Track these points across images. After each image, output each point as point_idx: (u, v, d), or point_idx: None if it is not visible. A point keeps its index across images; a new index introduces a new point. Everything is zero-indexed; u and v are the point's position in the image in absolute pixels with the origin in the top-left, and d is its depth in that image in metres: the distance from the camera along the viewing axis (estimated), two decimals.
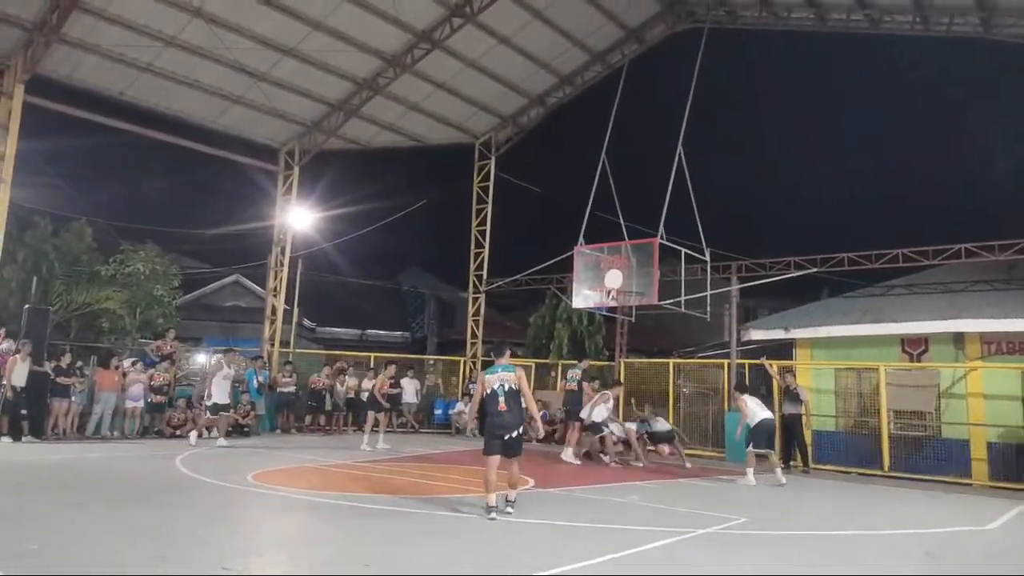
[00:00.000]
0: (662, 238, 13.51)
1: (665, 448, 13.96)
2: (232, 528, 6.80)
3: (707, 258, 14.38)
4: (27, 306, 14.15)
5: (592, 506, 8.91)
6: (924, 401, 13.81)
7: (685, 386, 17.01)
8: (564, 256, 15.64)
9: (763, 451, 11.66)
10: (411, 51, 17.19)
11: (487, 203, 21.12)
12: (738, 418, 12.35)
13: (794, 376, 14.07)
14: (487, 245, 21.03)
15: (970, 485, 12.63)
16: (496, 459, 7.52)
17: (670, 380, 16.41)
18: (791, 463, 13.45)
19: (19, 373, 12.64)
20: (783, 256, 16.04)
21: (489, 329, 21.78)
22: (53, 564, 5.20)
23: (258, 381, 16.21)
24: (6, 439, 12.44)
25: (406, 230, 25.22)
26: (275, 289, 19.57)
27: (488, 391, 7.64)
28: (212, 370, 13.94)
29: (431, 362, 22.87)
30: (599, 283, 13.98)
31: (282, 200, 19.64)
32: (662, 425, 13.87)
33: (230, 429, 14.28)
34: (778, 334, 16.01)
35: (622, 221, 15.00)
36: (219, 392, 13.58)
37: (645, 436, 13.86)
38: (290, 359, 18.46)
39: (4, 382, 12.54)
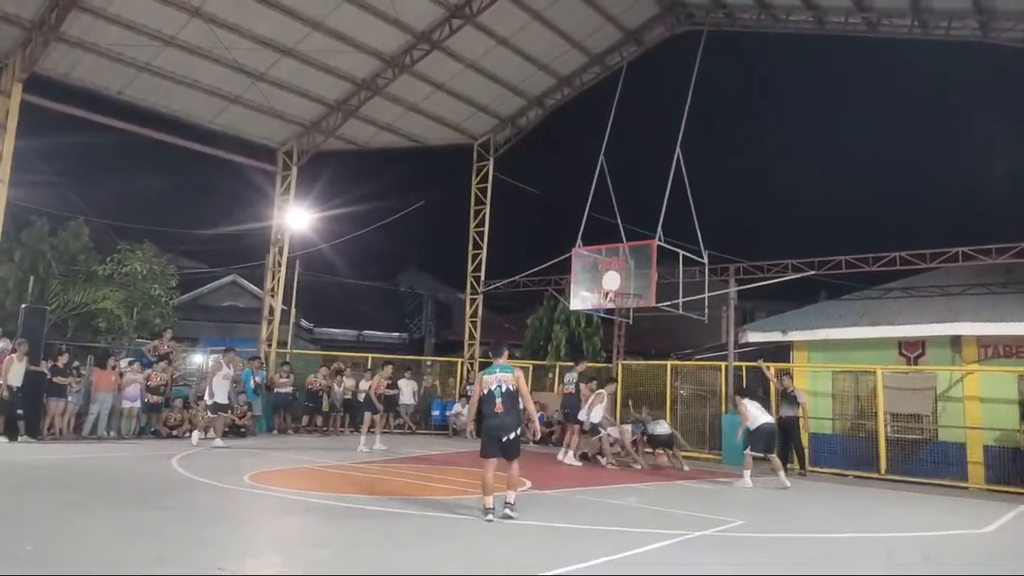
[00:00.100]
0: (660, 240, 13.54)
1: (663, 456, 13.89)
2: (229, 529, 6.78)
3: (705, 260, 14.39)
4: (24, 305, 14.12)
5: (589, 508, 8.90)
6: (921, 404, 13.85)
7: (682, 388, 17.03)
8: (562, 258, 15.67)
9: (760, 455, 11.66)
10: (410, 52, 17.19)
11: (485, 204, 21.12)
12: (736, 421, 12.37)
13: (791, 379, 14.08)
14: (485, 246, 21.03)
15: (966, 488, 12.65)
16: (493, 461, 7.47)
17: (667, 382, 16.42)
18: (788, 466, 13.43)
19: (15, 373, 12.59)
20: (781, 259, 16.06)
21: (487, 330, 21.77)
22: (53, 564, 5.20)
23: (255, 382, 16.16)
24: (2, 439, 12.38)
25: (404, 231, 25.25)
26: (272, 289, 19.54)
27: (485, 392, 7.57)
28: (212, 370, 13.91)
29: (428, 363, 22.86)
30: (597, 285, 13.98)
31: (280, 200, 19.62)
32: (662, 428, 13.74)
33: (227, 430, 14.26)
34: (776, 336, 16.02)
35: (620, 223, 15.03)
36: (220, 392, 13.56)
37: (643, 438, 13.85)
38: (287, 360, 18.43)
39: (0, 382, 12.49)
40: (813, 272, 15.55)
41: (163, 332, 16.68)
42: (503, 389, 7.49)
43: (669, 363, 17.09)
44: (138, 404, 14.44)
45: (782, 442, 13.68)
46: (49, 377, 13.34)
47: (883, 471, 13.41)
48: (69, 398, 13.66)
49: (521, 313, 29.01)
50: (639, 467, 13.20)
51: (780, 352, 16.08)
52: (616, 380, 15.60)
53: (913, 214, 36.50)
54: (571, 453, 13.31)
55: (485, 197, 21.16)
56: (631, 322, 17.34)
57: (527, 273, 19.13)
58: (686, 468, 13.29)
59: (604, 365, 20.25)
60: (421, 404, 19.69)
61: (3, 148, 14.04)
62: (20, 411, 12.70)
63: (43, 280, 16.48)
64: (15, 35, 14.25)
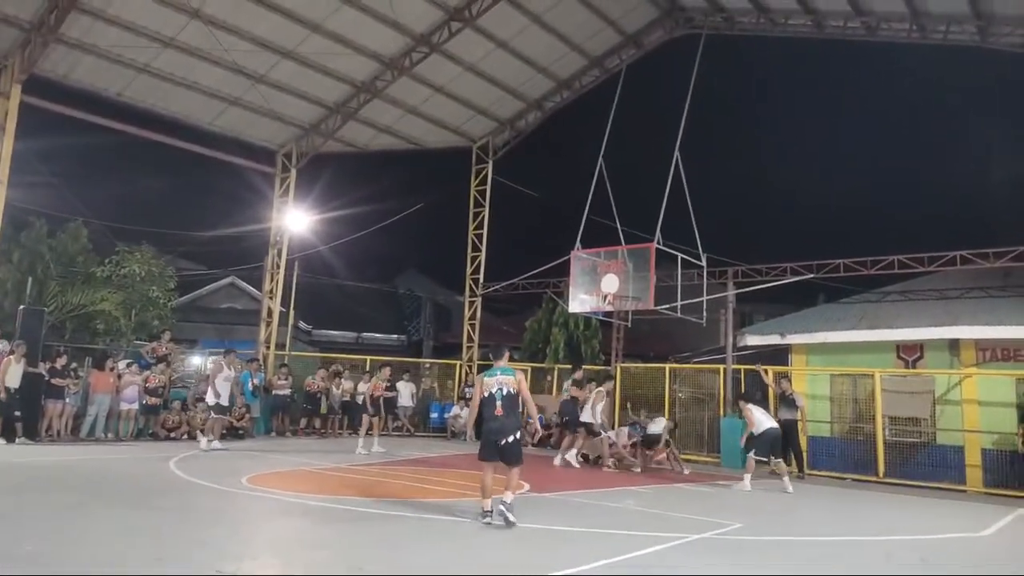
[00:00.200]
0: (659, 243, 13.54)
1: (662, 454, 13.86)
2: (227, 531, 6.77)
3: (703, 263, 14.40)
4: (22, 307, 14.11)
5: (587, 511, 8.90)
6: (919, 407, 13.86)
7: (681, 391, 17.03)
8: (561, 260, 15.68)
9: (763, 458, 11.64)
10: (409, 54, 17.20)
11: (484, 207, 21.14)
12: (735, 424, 12.35)
13: (790, 382, 14.09)
14: (484, 249, 21.04)
15: (964, 492, 12.66)
16: (492, 464, 7.45)
17: (666, 385, 16.42)
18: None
19: (13, 374, 12.58)
20: (779, 262, 16.08)
21: (485, 333, 21.77)
22: (53, 564, 5.21)
23: (253, 384, 16.16)
24: (0, 441, 12.38)
25: (403, 233, 25.18)
26: (271, 291, 19.53)
27: (486, 394, 7.49)
28: (213, 371, 13.87)
29: (427, 365, 22.83)
30: (595, 287, 13.98)
31: (279, 202, 19.61)
32: (654, 427, 13.70)
33: (225, 431, 14.24)
34: (774, 340, 16.03)
35: (619, 226, 15.05)
36: (224, 393, 13.55)
37: (639, 440, 13.83)
38: (286, 362, 18.42)
39: None
40: (812, 275, 15.57)
41: (161, 334, 16.66)
42: (504, 392, 7.43)
43: (667, 366, 17.08)
44: (136, 406, 14.42)
45: (781, 445, 13.70)
46: (47, 379, 13.33)
47: (881, 474, 13.42)
48: (67, 400, 13.64)
49: (520, 316, 29.00)
50: (637, 470, 13.19)
51: (778, 355, 16.09)
52: (613, 378, 15.60)
53: (911, 218, 36.59)
54: (573, 452, 13.32)
55: (484, 200, 21.17)
56: (630, 325, 17.34)
57: (526, 276, 19.15)
58: (686, 472, 13.28)
59: (602, 368, 20.25)
60: (419, 406, 19.69)
61: (2, 149, 14.02)
62: (18, 413, 12.67)
63: (41, 281, 16.47)
64: (14, 36, 14.25)
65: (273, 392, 17.01)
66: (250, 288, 26.99)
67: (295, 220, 19.34)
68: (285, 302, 20.73)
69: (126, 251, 18.44)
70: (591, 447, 13.68)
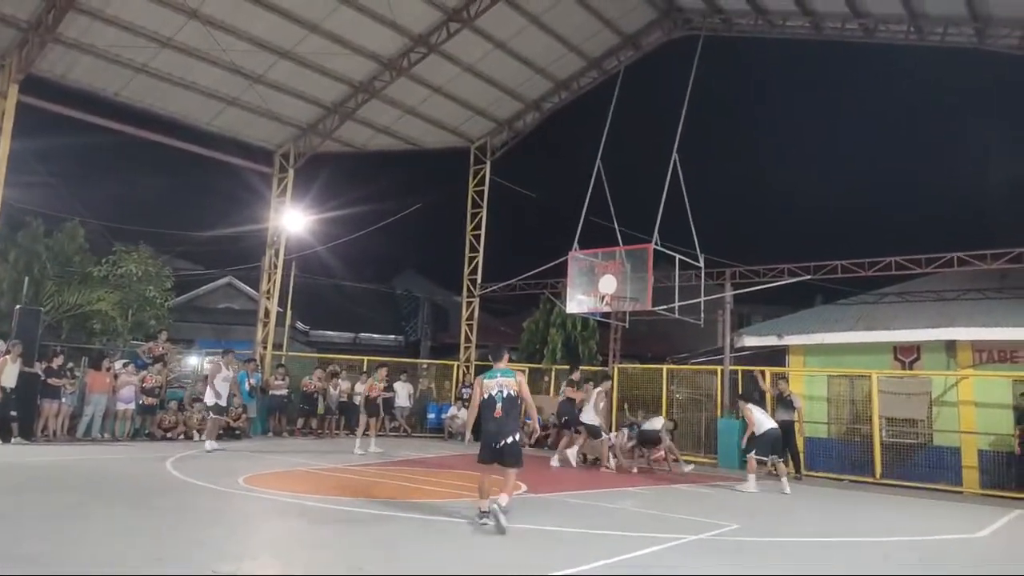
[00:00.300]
0: (656, 244, 13.54)
1: (659, 453, 13.84)
2: (225, 531, 6.76)
3: (701, 264, 14.41)
4: (18, 306, 14.06)
5: (585, 512, 8.90)
6: (916, 409, 13.89)
7: (678, 392, 17.03)
8: (558, 261, 15.67)
9: (764, 458, 11.65)
10: (407, 55, 17.20)
11: (482, 207, 21.14)
12: (733, 425, 12.34)
13: (787, 383, 14.10)
14: (481, 249, 21.05)
15: (961, 493, 12.68)
16: (492, 466, 7.42)
17: (663, 386, 16.42)
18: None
19: (9, 374, 12.54)
20: (777, 263, 16.10)
21: (483, 333, 21.76)
22: (52, 564, 5.21)
23: (250, 384, 16.14)
24: None
25: (401, 234, 25.17)
26: (268, 292, 19.52)
27: (485, 396, 7.41)
28: (212, 372, 13.83)
29: (424, 366, 22.80)
30: (593, 288, 13.99)
31: (276, 202, 19.60)
32: (650, 425, 13.60)
33: (221, 432, 14.22)
34: (771, 341, 16.04)
35: (617, 226, 15.06)
36: (223, 394, 13.52)
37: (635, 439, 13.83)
38: (283, 362, 18.40)
39: None
40: (809, 277, 15.60)
41: (158, 334, 16.63)
42: (504, 394, 7.34)
43: (665, 367, 17.09)
44: (132, 406, 14.40)
45: (781, 446, 13.72)
46: (43, 378, 13.29)
47: (878, 475, 13.44)
48: (63, 400, 13.61)
49: (517, 316, 28.95)
50: (635, 471, 13.20)
51: (776, 356, 16.10)
52: (611, 378, 15.61)
53: (909, 219, 36.64)
54: (574, 450, 13.31)
55: (482, 200, 21.17)
56: (627, 326, 17.33)
57: (523, 276, 19.14)
58: (687, 469, 13.25)
59: (600, 369, 20.25)
60: (417, 407, 19.67)
61: None
62: (14, 412, 12.65)
63: (38, 281, 16.42)
64: (11, 36, 14.23)
65: (270, 392, 16.99)
66: (247, 288, 26.95)
67: (293, 220, 19.33)
68: (282, 302, 20.72)
69: (123, 251, 18.39)
70: (591, 448, 13.67)
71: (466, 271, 21.28)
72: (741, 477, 11.82)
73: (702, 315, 14.29)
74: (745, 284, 16.27)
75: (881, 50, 17.38)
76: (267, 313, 19.38)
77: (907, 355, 14.70)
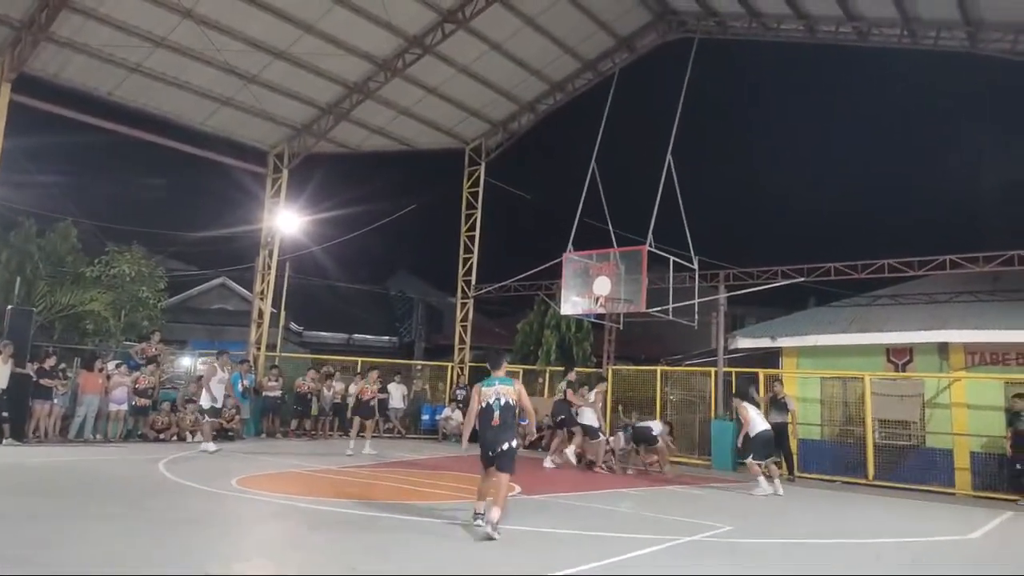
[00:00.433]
0: (651, 246, 13.55)
1: (652, 455, 13.87)
2: (218, 533, 6.73)
3: (695, 266, 14.44)
4: (10, 307, 13.99)
5: (579, 513, 8.90)
6: (909, 411, 13.93)
7: (672, 393, 17.05)
8: (553, 263, 15.67)
9: (760, 461, 11.65)
10: (402, 56, 17.19)
11: (476, 209, 21.14)
12: (726, 426, 12.34)
13: (782, 385, 14.14)
14: (476, 251, 21.05)
15: (953, 494, 12.73)
16: (490, 470, 7.37)
17: (657, 387, 16.44)
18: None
19: (0, 375, 12.48)
20: (770, 265, 16.14)
21: (477, 335, 21.76)
22: (46, 565, 5.20)
23: (243, 385, 16.08)
24: None
25: (395, 235, 25.17)
26: (262, 292, 19.45)
27: (483, 404, 7.26)
28: (207, 374, 13.75)
29: (418, 367, 22.80)
30: (587, 290, 13.99)
31: (270, 203, 19.55)
32: (644, 424, 13.66)
33: (214, 433, 14.15)
34: (765, 342, 16.09)
35: (611, 228, 15.06)
36: (219, 396, 13.45)
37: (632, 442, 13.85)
38: (276, 363, 18.35)
39: None
40: (803, 279, 15.65)
41: (151, 335, 16.56)
42: (502, 402, 7.20)
43: (659, 368, 17.13)
44: (125, 407, 14.33)
45: (774, 446, 13.75)
46: (35, 379, 13.22)
47: (871, 477, 13.49)
48: (55, 400, 13.53)
49: (512, 318, 28.93)
50: (631, 472, 13.21)
51: (769, 358, 16.14)
52: (605, 380, 15.62)
53: (902, 222, 36.74)
54: (571, 448, 13.31)
55: (476, 201, 21.17)
56: (621, 327, 17.36)
57: (518, 278, 19.14)
58: (666, 471, 13.24)
59: (594, 370, 20.27)
60: (411, 408, 19.64)
61: None
62: (5, 413, 12.58)
63: (30, 281, 16.33)
64: (4, 35, 14.15)
65: (263, 393, 16.93)
66: (241, 289, 26.88)
67: (286, 221, 19.29)
68: (276, 303, 20.66)
69: (116, 251, 18.32)
70: (590, 449, 13.66)
71: (460, 272, 21.27)
72: (735, 480, 11.84)
73: (696, 317, 14.33)
74: (739, 286, 16.31)
75: (874, 54, 17.49)
76: (261, 314, 19.32)
77: (900, 357, 14.75)
